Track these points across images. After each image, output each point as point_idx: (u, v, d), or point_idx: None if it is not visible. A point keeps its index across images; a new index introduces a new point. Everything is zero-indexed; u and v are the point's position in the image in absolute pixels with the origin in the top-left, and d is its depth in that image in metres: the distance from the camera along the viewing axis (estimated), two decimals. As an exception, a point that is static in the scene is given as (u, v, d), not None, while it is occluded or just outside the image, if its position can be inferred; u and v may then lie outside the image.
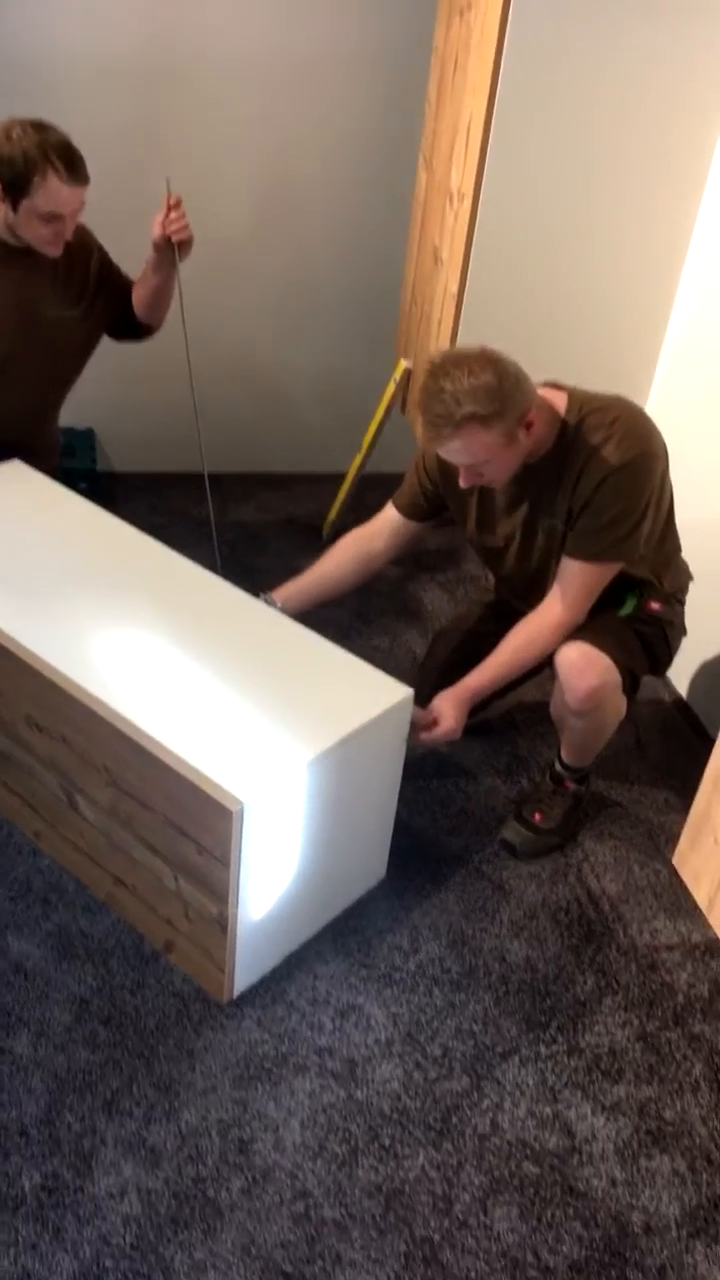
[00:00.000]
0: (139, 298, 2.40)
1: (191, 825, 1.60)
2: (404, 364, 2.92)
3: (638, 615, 1.98)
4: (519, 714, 2.49)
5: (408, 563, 3.10)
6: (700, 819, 2.03)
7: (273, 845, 1.65)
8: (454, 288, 2.55)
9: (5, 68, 2.73)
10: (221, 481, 3.40)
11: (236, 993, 1.77)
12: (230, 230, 3.05)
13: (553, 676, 1.95)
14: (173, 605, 1.92)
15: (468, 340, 2.48)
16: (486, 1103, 1.66)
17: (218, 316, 3.13)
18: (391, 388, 2.96)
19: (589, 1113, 1.66)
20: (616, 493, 1.81)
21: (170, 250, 2.26)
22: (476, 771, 2.32)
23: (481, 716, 2.18)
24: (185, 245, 2.27)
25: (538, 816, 2.12)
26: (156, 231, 2.22)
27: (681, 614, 2.07)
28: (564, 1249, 1.49)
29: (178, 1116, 1.59)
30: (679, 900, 2.06)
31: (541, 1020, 1.80)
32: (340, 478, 3.21)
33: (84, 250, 2.30)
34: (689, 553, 2.11)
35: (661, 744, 2.47)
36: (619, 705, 1.95)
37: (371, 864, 2.00)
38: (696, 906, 2.04)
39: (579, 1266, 1.47)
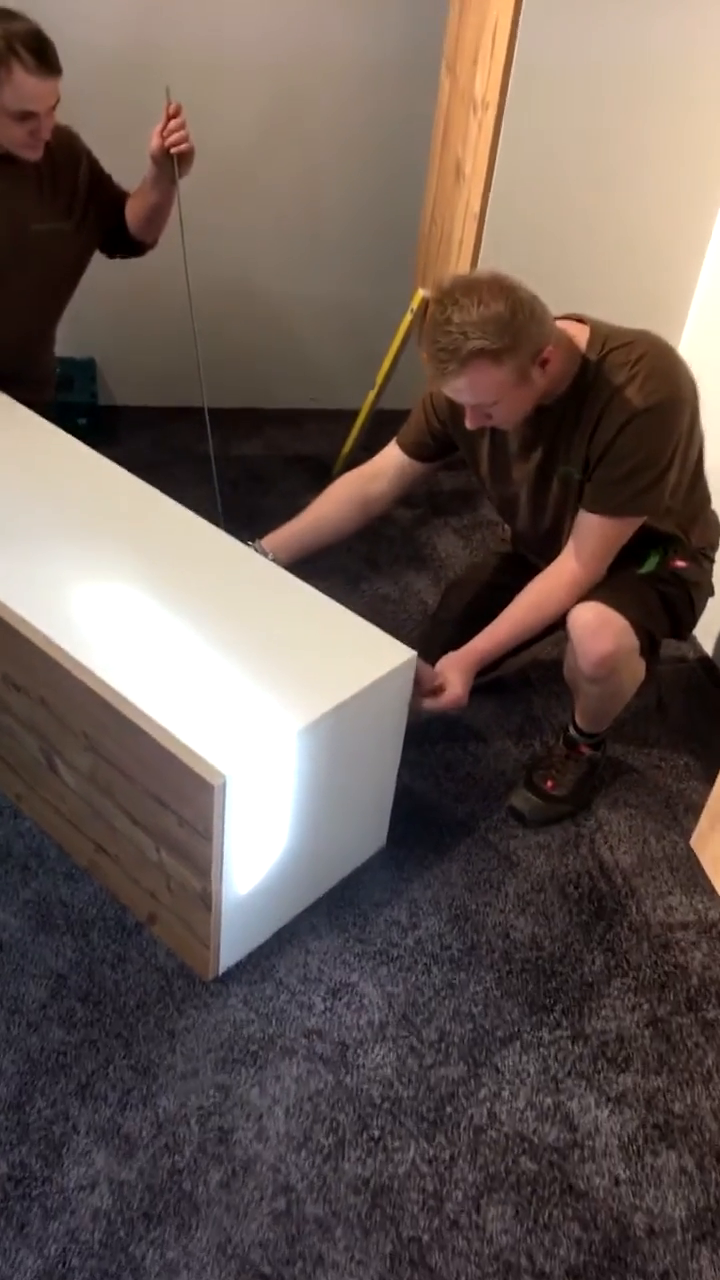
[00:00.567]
0: (134, 213, 2.23)
1: (172, 797, 1.49)
2: (421, 293, 2.73)
3: (660, 573, 1.83)
4: (534, 671, 2.35)
5: (421, 505, 2.94)
6: (722, 793, 1.91)
7: (260, 818, 1.54)
8: (476, 206, 2.35)
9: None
10: (227, 417, 3.23)
11: (222, 969, 1.67)
12: (235, 143, 2.84)
13: (566, 638, 1.81)
14: (162, 557, 1.78)
15: (489, 265, 2.30)
16: (484, 1092, 1.57)
17: (220, 238, 2.94)
18: (408, 319, 2.78)
19: (592, 1104, 1.57)
20: (639, 439, 1.65)
21: (169, 163, 2.08)
22: (486, 733, 2.20)
23: (494, 675, 2.05)
24: (186, 159, 2.09)
25: (549, 783, 2.00)
26: (154, 143, 2.04)
27: (709, 572, 1.91)
28: (561, 1252, 1.40)
29: (155, 1102, 1.50)
30: (696, 875, 1.94)
31: (545, 1003, 1.70)
32: (354, 415, 3.04)
33: (71, 157, 2.13)
34: (720, 504, 1.95)
35: (684, 705, 2.33)
36: (636, 670, 1.81)
37: (370, 833, 1.89)
38: (714, 886, 1.92)
39: (576, 1272, 1.38)
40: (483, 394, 1.60)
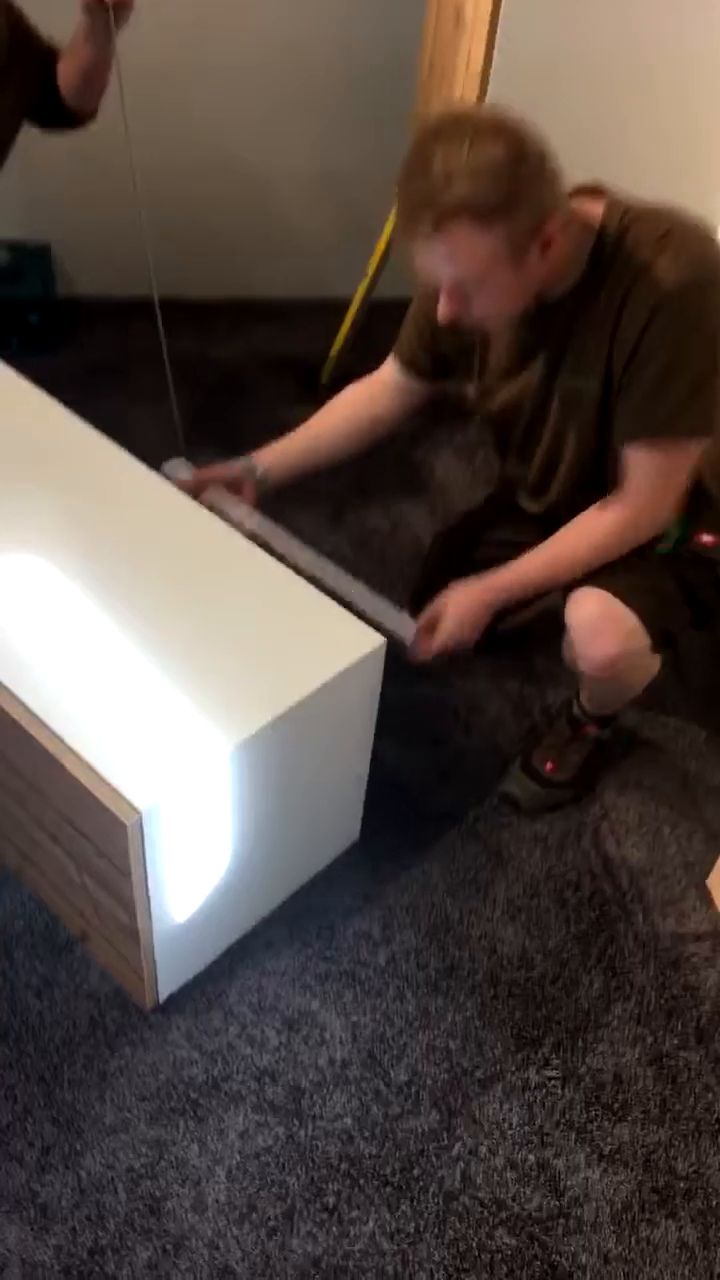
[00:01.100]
0: (65, 76, 1.86)
1: (87, 825, 1.25)
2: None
3: (680, 552, 1.51)
4: (539, 622, 2.06)
5: (419, 417, 2.60)
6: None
7: (193, 843, 1.30)
8: (479, 59, 1.94)
9: None
10: (204, 312, 2.87)
11: (163, 996, 1.46)
12: (203, -16, 2.40)
13: (563, 625, 1.52)
14: (83, 520, 1.49)
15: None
16: (458, 1148, 1.37)
17: (185, 99, 2.53)
18: (403, 198, 2.38)
19: (582, 1163, 1.37)
20: (676, 329, 1.28)
21: (104, 13, 1.70)
22: (480, 700, 1.93)
23: (499, 627, 1.73)
24: (123, 7, 1.71)
25: (549, 766, 1.75)
26: None
27: None
28: (538, 1348, 1.22)
29: (79, 1163, 1.31)
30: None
31: (534, 1035, 1.48)
32: (347, 305, 2.66)
33: None
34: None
35: (708, 670, 2.05)
36: (649, 667, 1.53)
37: (340, 828, 1.65)
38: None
39: None
40: (463, 266, 1.24)
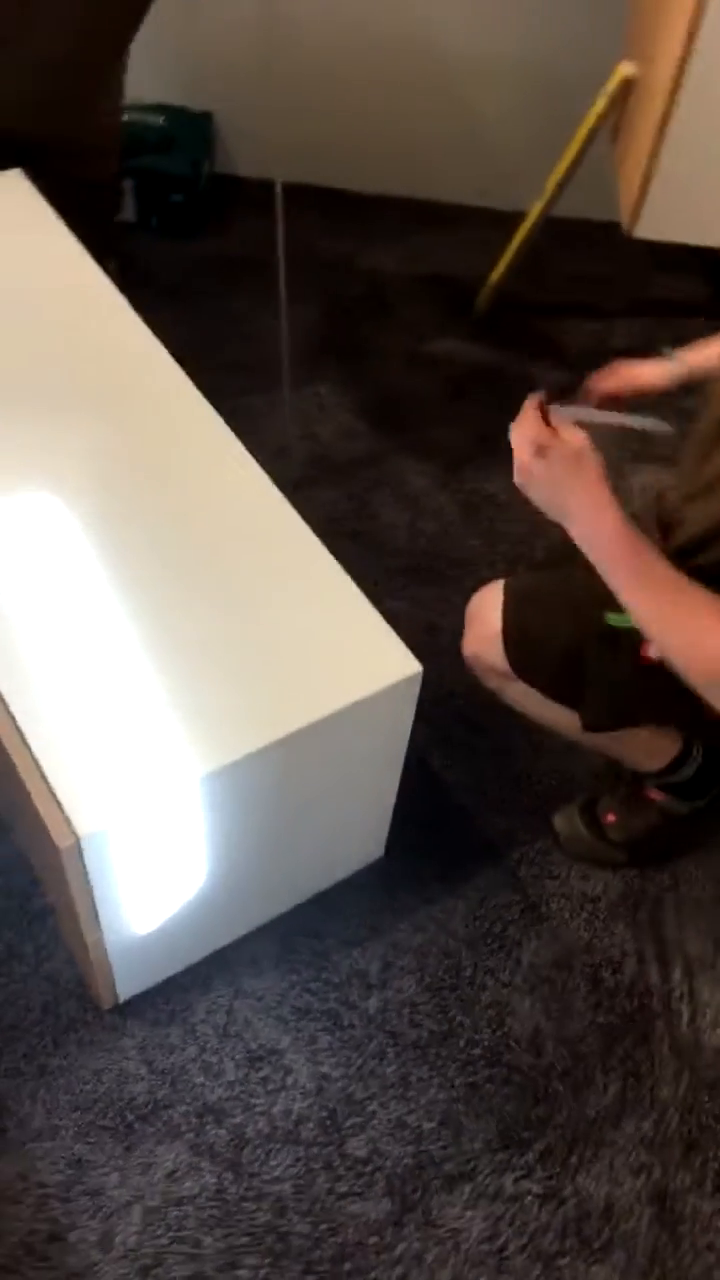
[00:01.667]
0: None
1: (35, 832, 1.10)
2: (624, 70, 1.96)
3: None
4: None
5: (574, 365, 2.27)
6: None
7: (157, 864, 1.13)
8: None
9: None
10: (367, 207, 2.58)
11: (124, 998, 1.34)
12: None
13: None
14: (123, 476, 1.30)
15: (712, 35, 1.58)
16: (402, 1249, 1.20)
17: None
18: (600, 104, 2.02)
19: (541, 1303, 1.18)
20: None
21: None
22: (561, 717, 1.68)
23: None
24: None
25: (610, 817, 1.50)
26: None
27: None
28: None
29: (-8, 1166, 1.22)
30: (788, 985, 1.43)
31: (522, 1136, 1.29)
32: (522, 220, 2.33)
33: None
34: None
35: None
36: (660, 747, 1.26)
37: (357, 847, 1.46)
38: None
39: None
40: None
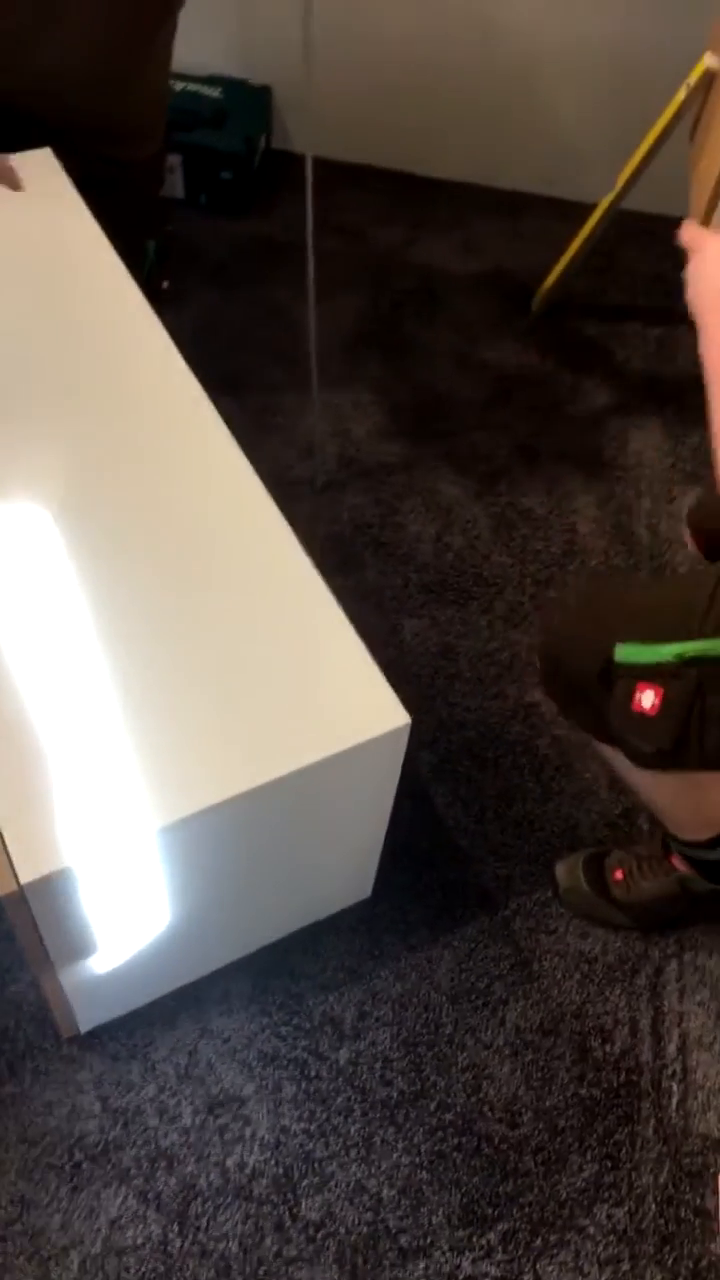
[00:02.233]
0: None
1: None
2: (708, 61, 1.82)
3: None
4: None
5: (618, 374, 2.15)
6: None
7: (113, 909, 1.08)
8: None
9: None
10: (426, 192, 2.47)
11: (85, 1029, 1.29)
12: None
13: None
14: (115, 485, 1.23)
15: None
16: (347, 1324, 1.15)
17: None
18: (681, 95, 1.88)
19: None
20: None
21: None
22: (574, 759, 1.58)
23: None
24: None
25: (618, 873, 1.41)
26: None
27: None
28: None
29: (-68, 1195, 1.18)
30: (790, 1073, 1.34)
31: (486, 1213, 1.22)
32: (591, 214, 2.20)
33: None
34: None
35: None
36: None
37: (342, 887, 1.39)
38: None
39: None
40: None
